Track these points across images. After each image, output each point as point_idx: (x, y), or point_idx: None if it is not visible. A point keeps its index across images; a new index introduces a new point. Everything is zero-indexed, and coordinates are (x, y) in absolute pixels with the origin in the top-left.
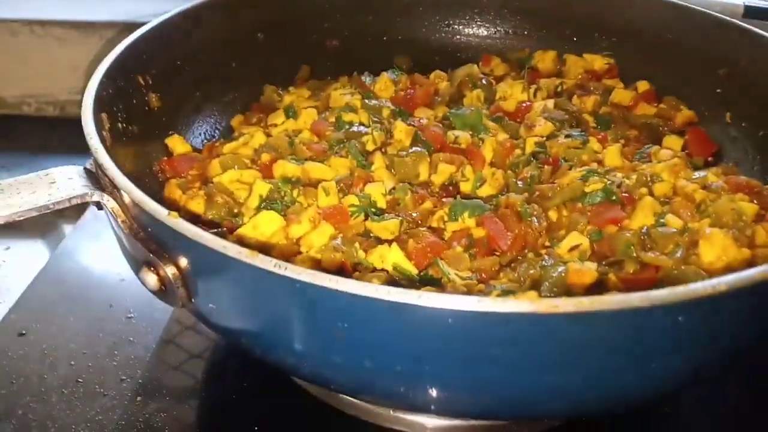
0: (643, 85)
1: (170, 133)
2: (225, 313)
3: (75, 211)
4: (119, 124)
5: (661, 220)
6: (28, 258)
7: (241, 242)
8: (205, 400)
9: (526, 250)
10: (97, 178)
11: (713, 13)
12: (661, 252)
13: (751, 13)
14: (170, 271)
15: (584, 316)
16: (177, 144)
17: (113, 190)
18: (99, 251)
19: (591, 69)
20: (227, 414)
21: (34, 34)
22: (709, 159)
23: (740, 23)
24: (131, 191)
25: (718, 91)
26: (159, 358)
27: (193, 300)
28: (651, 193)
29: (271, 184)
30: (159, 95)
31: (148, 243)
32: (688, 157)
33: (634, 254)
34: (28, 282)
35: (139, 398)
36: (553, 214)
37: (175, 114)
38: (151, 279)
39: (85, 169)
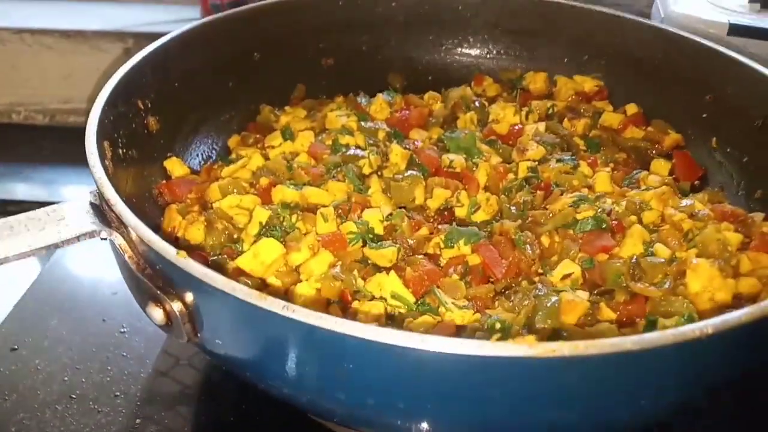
0: (631, 108)
1: (168, 155)
2: (231, 349)
3: None
4: (120, 150)
5: (650, 249)
6: (19, 271)
7: (242, 272)
8: (202, 417)
9: (519, 278)
10: (102, 212)
11: (700, 39)
12: (650, 282)
13: (735, 30)
14: (177, 307)
15: (580, 359)
16: (175, 166)
17: (120, 226)
18: (91, 264)
19: (581, 90)
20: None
21: (24, 42)
22: (696, 183)
23: (726, 51)
24: (140, 230)
25: (705, 116)
26: (154, 373)
27: (199, 335)
28: (640, 221)
29: (270, 210)
30: (157, 118)
31: (155, 279)
32: (675, 182)
33: (624, 284)
34: (19, 296)
35: (136, 418)
36: (545, 240)
37: (172, 136)
38: (158, 314)
39: (91, 203)
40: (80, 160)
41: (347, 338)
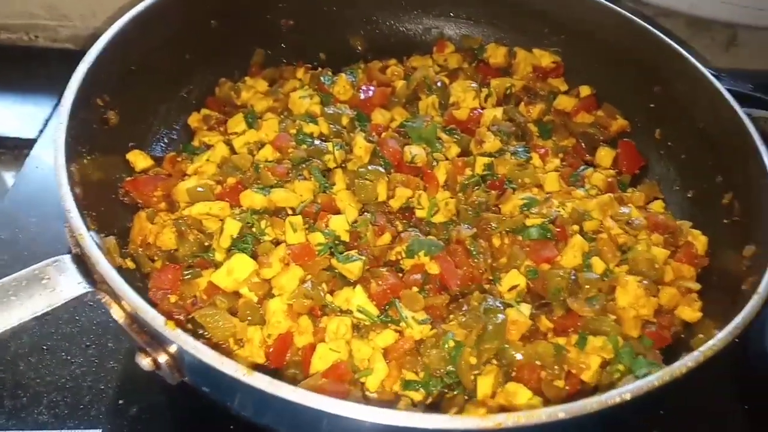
0: (584, 90)
1: (130, 145)
2: (214, 393)
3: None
4: (85, 159)
5: (588, 261)
6: None
7: (216, 287)
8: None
9: (472, 285)
10: (87, 267)
11: (659, 33)
12: (585, 295)
13: None
14: (162, 359)
15: (523, 428)
16: (138, 158)
17: (108, 286)
18: (47, 217)
19: (539, 65)
20: None
21: None
22: (637, 172)
23: (682, 50)
24: (130, 298)
25: (652, 106)
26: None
27: (186, 379)
28: (582, 229)
29: (240, 220)
30: (117, 110)
31: (143, 335)
32: (618, 174)
33: (562, 298)
34: None
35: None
36: (496, 241)
37: (133, 125)
38: (146, 363)
39: (73, 256)
40: None
41: (324, 413)
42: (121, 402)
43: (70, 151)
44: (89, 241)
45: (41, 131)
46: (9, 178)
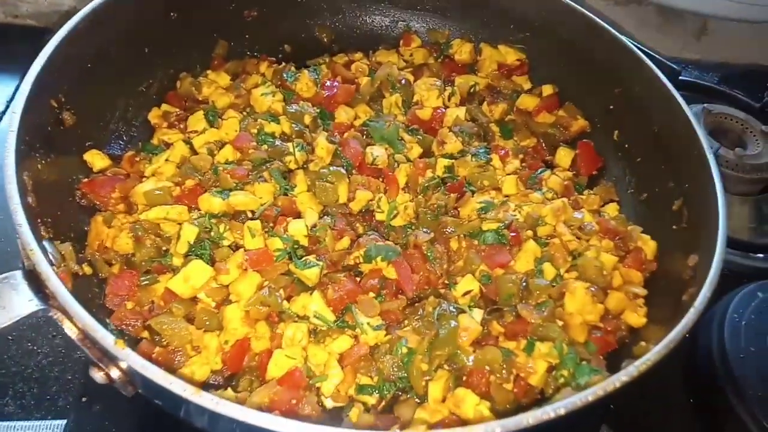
0: (547, 89)
1: (87, 145)
2: (170, 409)
3: None
4: (39, 164)
5: (540, 267)
6: None
7: (173, 293)
8: None
9: (428, 289)
10: (38, 283)
11: (619, 35)
12: (535, 300)
13: None
14: (115, 374)
15: None
16: (95, 159)
17: (60, 304)
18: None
19: (504, 62)
20: None
21: None
22: (594, 173)
23: (640, 53)
24: (81, 317)
25: (611, 107)
26: None
27: (140, 392)
28: (535, 234)
29: (197, 226)
30: (72, 111)
31: (94, 351)
32: (575, 176)
33: (514, 303)
34: None
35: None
36: (454, 244)
37: (89, 124)
38: (99, 377)
39: (25, 272)
40: None
41: (244, 424)
42: (85, 397)
43: (22, 158)
44: (40, 257)
45: (3, 112)
46: None
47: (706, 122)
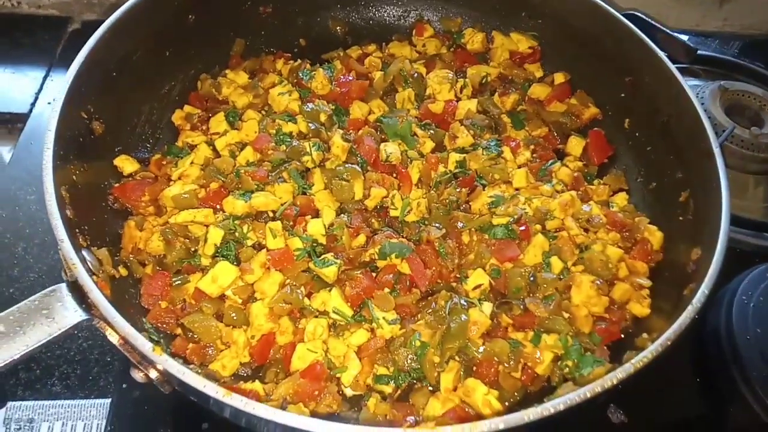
0: (559, 77)
1: (117, 150)
2: (203, 405)
3: (8, 133)
4: (74, 176)
5: (547, 260)
6: None
7: (203, 293)
8: None
9: (440, 283)
10: (82, 293)
11: (630, 24)
12: (542, 294)
13: None
14: (153, 374)
15: None
16: (125, 163)
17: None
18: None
19: (516, 50)
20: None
21: None
22: (605, 161)
23: (650, 43)
24: (121, 327)
25: (622, 95)
26: None
27: (177, 389)
28: (544, 228)
29: (222, 227)
30: (101, 119)
31: (134, 354)
32: (585, 167)
33: (522, 297)
34: None
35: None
36: (465, 238)
37: (118, 130)
38: (139, 377)
39: (69, 284)
40: None
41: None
42: (125, 383)
43: (59, 174)
44: (81, 270)
45: (33, 105)
46: (5, 153)
47: (723, 100)
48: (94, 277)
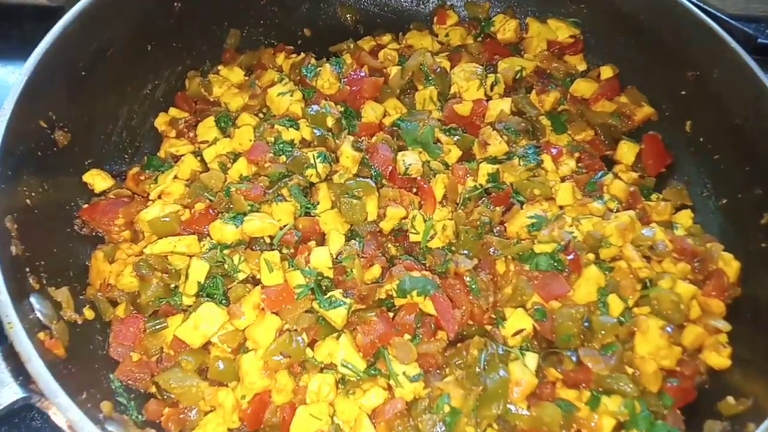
0: (606, 72)
1: (87, 163)
2: None
3: None
4: (28, 199)
5: (604, 299)
6: None
7: (182, 342)
8: None
9: (473, 326)
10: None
11: (695, 10)
12: (600, 343)
13: None
14: None
15: None
16: (96, 179)
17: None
18: None
19: (555, 40)
20: None
21: None
22: (663, 170)
23: (721, 31)
24: (67, 410)
25: (683, 93)
26: None
27: None
28: (597, 257)
29: (207, 260)
30: (66, 128)
31: None
32: (641, 178)
33: (574, 346)
34: None
35: None
36: (500, 267)
37: (88, 139)
38: None
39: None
40: None
41: None
42: None
43: (3, 202)
44: (20, 332)
45: None
46: None
47: None
48: (44, 333)
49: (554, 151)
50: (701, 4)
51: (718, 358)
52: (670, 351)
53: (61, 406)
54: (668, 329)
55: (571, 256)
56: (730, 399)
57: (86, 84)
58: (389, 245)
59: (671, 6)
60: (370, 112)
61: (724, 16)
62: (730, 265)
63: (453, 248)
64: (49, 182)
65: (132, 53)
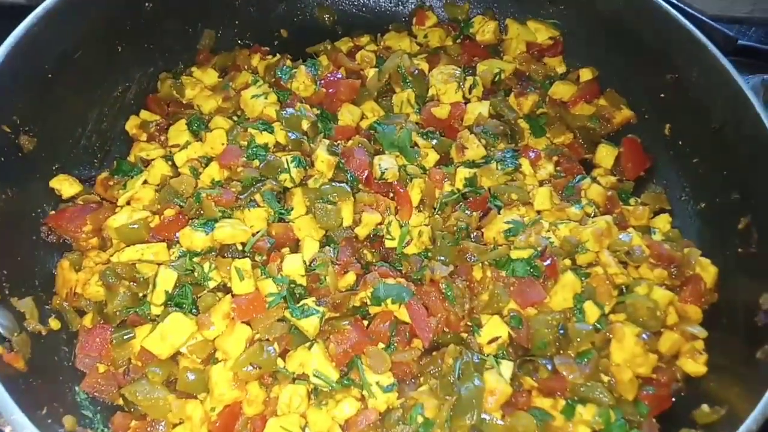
0: (586, 74)
1: (54, 169)
2: None
3: None
4: None
5: (580, 306)
6: None
7: (149, 353)
8: None
9: (448, 333)
10: None
11: (675, 13)
12: (575, 351)
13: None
14: None
15: None
16: (64, 185)
17: None
18: None
19: (534, 42)
20: None
21: None
22: (642, 174)
23: (699, 34)
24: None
25: (662, 95)
26: None
27: None
28: (574, 262)
29: (176, 268)
30: (32, 133)
31: None
32: (619, 182)
33: (549, 354)
34: None
35: None
36: (477, 273)
37: (55, 143)
38: None
39: None
40: None
41: None
42: None
43: None
44: None
45: None
46: None
47: (766, 97)
48: (1, 347)
49: (532, 154)
50: (682, 6)
51: (695, 365)
52: (646, 358)
53: (16, 424)
54: (644, 336)
55: (547, 262)
56: (705, 407)
57: (53, 87)
58: (365, 251)
59: (651, 8)
60: (347, 115)
61: (705, 18)
62: (707, 271)
63: (429, 254)
64: (14, 188)
65: (101, 54)
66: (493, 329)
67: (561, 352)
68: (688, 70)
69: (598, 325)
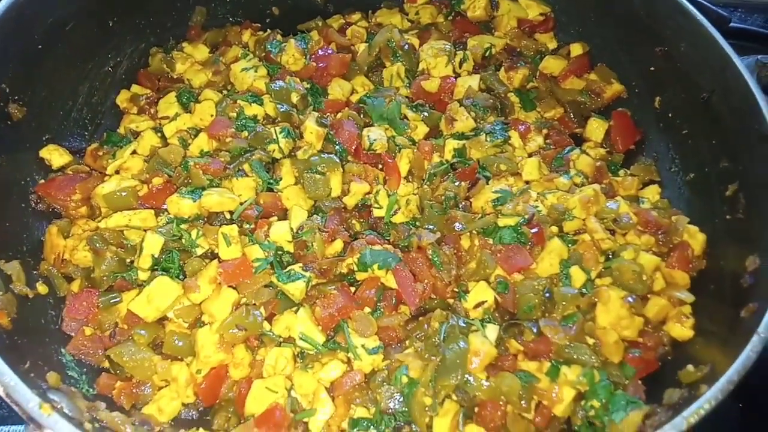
0: (576, 49)
1: (45, 139)
2: None
3: None
4: None
5: (566, 271)
6: None
7: (136, 316)
8: None
9: (434, 299)
10: None
11: None
12: (561, 314)
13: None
14: None
15: None
16: (54, 155)
17: None
18: None
19: (525, 17)
20: None
21: None
22: (632, 147)
23: (689, 6)
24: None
25: (652, 69)
26: None
27: None
28: (561, 230)
29: (163, 234)
30: (21, 102)
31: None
32: (609, 155)
33: (535, 317)
34: None
35: None
36: (465, 242)
37: (46, 114)
38: None
39: None
40: None
41: None
42: None
43: None
44: None
45: None
46: None
47: (760, 76)
48: None
49: (522, 127)
50: None
51: (681, 329)
52: (632, 321)
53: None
54: (629, 299)
55: (534, 230)
56: (690, 367)
57: (43, 58)
58: (353, 221)
59: None
60: (337, 90)
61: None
62: (695, 238)
63: (417, 223)
64: (3, 156)
65: (93, 28)
66: (479, 294)
67: (547, 315)
68: (677, 42)
69: (584, 290)
